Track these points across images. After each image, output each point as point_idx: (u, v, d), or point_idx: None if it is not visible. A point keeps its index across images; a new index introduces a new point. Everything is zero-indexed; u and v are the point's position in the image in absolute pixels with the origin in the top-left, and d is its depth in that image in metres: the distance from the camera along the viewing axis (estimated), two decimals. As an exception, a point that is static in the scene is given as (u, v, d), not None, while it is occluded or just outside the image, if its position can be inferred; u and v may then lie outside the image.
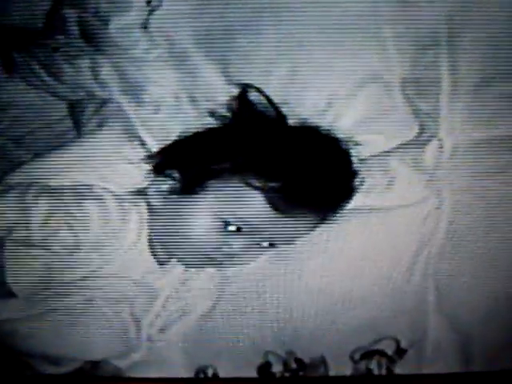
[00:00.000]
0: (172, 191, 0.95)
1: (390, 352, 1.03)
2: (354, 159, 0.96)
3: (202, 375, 1.04)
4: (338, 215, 0.97)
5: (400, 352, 1.03)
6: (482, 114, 0.94)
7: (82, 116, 0.98)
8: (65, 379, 1.05)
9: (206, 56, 0.94)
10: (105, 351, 1.03)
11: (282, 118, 0.95)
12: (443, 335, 1.02)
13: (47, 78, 0.96)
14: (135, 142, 0.97)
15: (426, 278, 1.00)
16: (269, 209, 0.91)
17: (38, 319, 0.99)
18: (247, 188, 0.91)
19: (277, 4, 0.91)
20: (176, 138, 0.96)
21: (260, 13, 0.91)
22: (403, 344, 1.03)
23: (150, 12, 0.92)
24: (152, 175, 0.97)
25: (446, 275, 1.00)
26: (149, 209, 0.97)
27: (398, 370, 1.04)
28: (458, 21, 0.90)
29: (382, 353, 1.03)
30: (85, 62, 0.95)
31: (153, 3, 0.91)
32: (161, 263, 1.00)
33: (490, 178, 0.95)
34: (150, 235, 0.97)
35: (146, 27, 0.93)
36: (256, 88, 0.94)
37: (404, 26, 0.91)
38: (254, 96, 0.94)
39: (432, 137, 0.97)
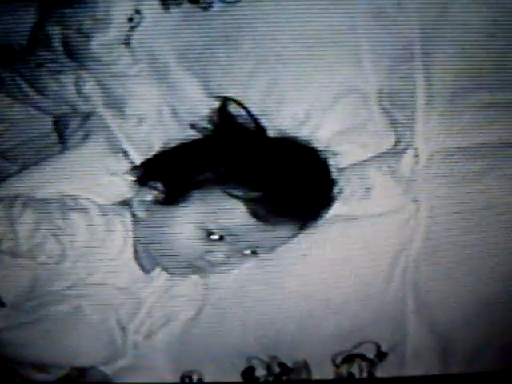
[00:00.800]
0: (156, 202, 0.96)
1: (370, 356, 1.03)
2: (333, 169, 0.98)
3: (187, 380, 1.04)
4: (317, 223, 0.98)
5: (380, 355, 1.03)
6: (456, 123, 0.96)
7: (66, 130, 1.00)
8: (53, 386, 1.04)
9: (187, 70, 0.95)
10: (92, 358, 1.02)
11: (261, 129, 0.97)
12: (422, 338, 1.02)
13: (32, 93, 0.97)
14: (119, 155, 0.98)
15: (404, 283, 1.00)
16: (250, 218, 0.92)
17: (25, 327, 0.98)
18: (229, 198, 0.92)
19: (256, 19, 0.92)
20: (159, 150, 0.97)
21: (239, 28, 0.92)
22: (383, 348, 1.03)
23: (132, 28, 0.93)
24: (136, 186, 0.98)
25: (424, 280, 1.00)
26: (133, 219, 0.97)
27: (379, 373, 1.04)
28: (431, 34, 0.91)
29: (363, 356, 1.03)
30: (68, 77, 0.96)
31: (134, 20, 0.92)
32: (146, 271, 1.00)
33: (465, 185, 0.97)
34: (134, 245, 0.98)
35: (127, 43, 0.94)
36: (236, 101, 0.95)
37: (379, 39, 0.92)
38: (233, 109, 0.95)
39: (408, 146, 0.98)
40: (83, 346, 1.00)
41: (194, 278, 1.01)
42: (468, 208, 0.97)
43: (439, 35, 0.91)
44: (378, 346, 1.02)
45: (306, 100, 0.95)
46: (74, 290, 0.98)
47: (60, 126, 0.99)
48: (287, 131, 0.97)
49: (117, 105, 0.96)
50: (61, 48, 0.95)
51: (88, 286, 0.98)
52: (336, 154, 0.97)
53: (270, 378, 1.03)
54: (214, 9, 0.93)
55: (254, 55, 0.93)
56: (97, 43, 0.93)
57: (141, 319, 1.01)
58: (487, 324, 1.00)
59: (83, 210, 0.96)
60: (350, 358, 1.03)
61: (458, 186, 0.97)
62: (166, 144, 0.97)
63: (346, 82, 0.95)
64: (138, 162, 0.98)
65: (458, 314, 1.01)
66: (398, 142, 0.98)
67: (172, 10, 0.93)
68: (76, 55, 0.94)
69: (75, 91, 0.95)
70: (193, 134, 0.96)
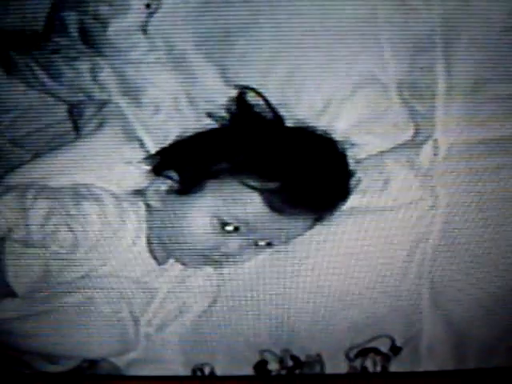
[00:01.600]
0: (170, 191, 0.95)
1: (384, 350, 1.03)
2: (351, 160, 0.96)
3: (199, 373, 1.04)
4: (334, 215, 0.97)
5: (395, 350, 1.03)
6: (476, 115, 0.94)
7: (81, 117, 0.98)
8: (63, 377, 1.05)
9: (204, 58, 0.94)
10: (103, 350, 1.02)
11: (279, 119, 0.95)
12: (438, 333, 1.02)
13: (47, 80, 0.96)
14: (134, 143, 0.97)
15: (420, 276, 1.00)
16: (266, 209, 0.90)
17: (37, 318, 0.98)
18: (245, 188, 0.90)
19: (275, 7, 0.91)
20: (174, 139, 0.96)
21: (258, 15, 0.90)
22: (398, 342, 1.03)
23: (149, 15, 0.91)
24: (151, 176, 0.96)
25: (440, 274, 0.99)
26: (147, 209, 0.96)
27: (393, 367, 1.04)
28: (453, 24, 0.90)
29: (377, 351, 1.03)
30: (84, 64, 0.94)
31: (152, 6, 0.91)
32: (159, 263, 0.99)
33: (484, 178, 0.96)
34: (148, 235, 0.97)
35: (145, 30, 0.93)
36: (254, 90, 0.93)
37: (400, 29, 0.91)
38: (251, 98, 0.94)
39: (427, 138, 0.97)
40: (95, 338, 1.00)
41: (208, 269, 1.00)
42: (486, 201, 0.96)
43: (461, 25, 0.90)
44: (393, 340, 1.02)
45: (324, 90, 0.94)
46: (86, 281, 0.97)
47: (75, 113, 0.98)
48: (305, 121, 0.95)
49: (133, 93, 0.94)
50: (77, 34, 0.94)
51: (100, 277, 0.97)
52: (354, 144, 0.96)
53: (283, 372, 1.03)
54: (233, -5, 0.91)
55: (274, 43, 0.91)
56: (113, 30, 0.92)
57: (153, 311, 1.01)
58: (504, 319, 1.00)
59: (96, 198, 0.95)
60: (364, 352, 1.03)
61: (477, 179, 0.96)
62: (182, 133, 0.95)
63: (365, 72, 0.93)
64: (153, 150, 0.97)
65: (474, 308, 1.00)
66: (417, 133, 0.97)
67: (190, -4, 0.92)
68: (92, 42, 0.93)
69: (91, 78, 0.94)
70: (209, 123, 0.95)
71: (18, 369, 1.03)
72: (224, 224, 0.92)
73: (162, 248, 0.98)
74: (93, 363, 1.04)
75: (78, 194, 0.95)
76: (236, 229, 0.92)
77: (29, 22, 0.92)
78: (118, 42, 0.92)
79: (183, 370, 1.03)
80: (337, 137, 0.95)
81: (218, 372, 1.04)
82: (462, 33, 0.90)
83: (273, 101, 0.94)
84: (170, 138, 0.96)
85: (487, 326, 1.01)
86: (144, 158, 0.96)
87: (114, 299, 0.99)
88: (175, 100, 0.96)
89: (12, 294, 0.97)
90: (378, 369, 1.03)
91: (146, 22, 0.92)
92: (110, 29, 0.92)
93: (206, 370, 1.04)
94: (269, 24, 0.91)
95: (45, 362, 1.04)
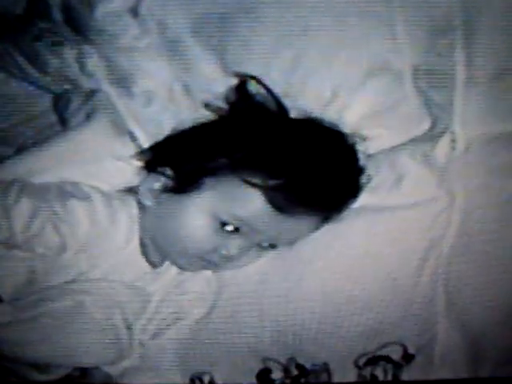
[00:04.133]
0: (165, 190, 0.93)
1: (396, 358, 0.99)
2: (361, 155, 0.94)
3: (197, 382, 1.00)
4: (342, 214, 0.95)
5: (407, 358, 0.99)
6: (498, 106, 0.92)
7: (67, 109, 0.96)
8: (53, 387, 1.03)
9: (201, 43, 0.91)
10: (95, 358, 0.98)
11: (283, 110, 0.93)
12: (452, 340, 0.98)
13: (29, 69, 0.95)
14: (125, 137, 0.95)
15: (435, 280, 0.96)
16: (269, 208, 0.88)
17: (24, 324, 0.94)
18: (246, 186, 0.88)
19: None
20: (169, 133, 0.94)
21: None
22: (410, 349, 0.99)
23: None
24: (143, 172, 0.94)
25: (456, 278, 0.95)
26: (140, 208, 0.94)
27: (405, 376, 1.00)
28: (474, 4, 0.87)
29: (388, 359, 0.99)
30: (70, 51, 0.93)
31: None
32: (153, 266, 0.97)
33: (506, 175, 0.93)
34: (141, 236, 0.94)
35: (135, 12, 0.90)
36: (255, 78, 0.91)
37: (416, 9, 0.88)
38: (253, 87, 0.92)
39: (445, 131, 0.94)
40: (86, 346, 0.97)
41: (206, 273, 0.98)
42: (507, 201, 0.93)
43: (483, 5, 0.87)
44: (405, 348, 0.98)
45: (332, 78, 0.92)
46: (75, 285, 0.94)
47: (60, 104, 0.97)
48: (311, 112, 0.93)
49: (123, 82, 0.93)
50: (61, 18, 0.92)
51: (91, 281, 0.95)
52: (364, 138, 0.94)
53: (287, 381, 1.00)
54: (233, -25, 0.91)
55: (277, 27, 0.89)
56: (101, 12, 0.90)
57: (148, 317, 0.98)
58: None
59: (85, 197, 0.92)
60: (374, 360, 0.99)
61: (497, 177, 0.93)
62: (177, 125, 0.94)
63: (377, 58, 0.91)
64: (145, 145, 0.96)
65: (490, 313, 0.96)
66: (433, 125, 0.95)
67: (186, -25, 0.91)
68: (78, 26, 0.91)
69: (77, 66, 0.93)
70: (207, 115, 0.93)
71: (5, 378, 1.00)
72: (223, 224, 0.89)
73: (157, 250, 0.95)
74: (84, 372, 1.01)
75: (65, 191, 0.92)
76: (236, 229, 0.90)
77: (9, 4, 0.91)
78: (107, 27, 0.90)
79: (181, 379, 1.00)
80: (346, 129, 0.94)
81: (218, 381, 1.00)
82: (483, 15, 0.88)
83: (276, 90, 0.92)
84: (164, 131, 0.94)
85: (504, 332, 0.96)
86: (136, 153, 0.95)
87: (105, 304, 0.95)
88: (169, 89, 0.94)
89: None
90: (389, 377, 1.00)
91: (137, 3, 0.90)
92: (97, 12, 0.90)
93: (206, 379, 1.00)
94: (272, 5, 0.89)
95: (33, 370, 1.00)
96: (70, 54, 0.92)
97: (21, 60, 0.94)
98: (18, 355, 0.96)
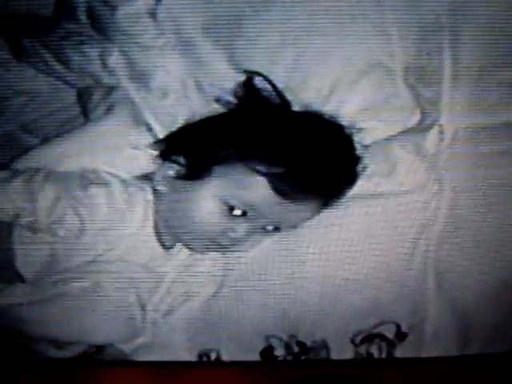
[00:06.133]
0: (178, 176, 0.94)
1: (390, 336, 1.02)
2: (357, 145, 0.96)
3: (205, 359, 1.03)
4: (340, 201, 0.97)
5: (400, 336, 1.02)
6: (482, 100, 0.94)
7: (89, 102, 0.98)
8: (69, 363, 1.04)
9: (212, 43, 0.93)
10: (110, 335, 1.02)
11: (286, 104, 0.94)
12: (442, 319, 1.01)
13: (56, 65, 0.95)
14: (142, 128, 0.96)
15: (425, 262, 0.98)
16: (273, 193, 0.90)
17: (45, 304, 0.97)
18: (252, 173, 0.90)
19: None
20: (182, 124, 0.95)
21: (267, 1, 0.90)
22: (403, 328, 1.02)
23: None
24: (158, 161, 0.96)
25: (445, 260, 0.98)
26: (155, 194, 0.96)
27: (398, 353, 1.03)
28: (460, 8, 0.89)
29: (382, 336, 1.02)
30: (93, 50, 0.94)
31: None
32: (166, 248, 0.99)
33: (490, 163, 0.95)
34: (155, 220, 0.96)
35: (153, 15, 0.92)
36: (261, 74, 0.93)
37: (407, 12, 0.90)
38: (259, 82, 0.93)
39: (433, 123, 0.96)
40: (102, 324, 0.99)
41: (215, 255, 1.00)
42: (491, 186, 0.96)
43: (468, 9, 0.89)
44: (398, 327, 1.01)
45: (331, 74, 0.93)
46: (93, 266, 0.97)
47: (83, 98, 0.98)
48: (312, 106, 0.95)
49: (141, 77, 0.94)
50: (86, 19, 0.93)
51: (108, 262, 0.97)
52: (361, 129, 0.95)
53: (289, 357, 1.02)
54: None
55: (281, 29, 0.91)
56: (122, 14, 0.91)
57: (160, 297, 1.00)
58: (508, 304, 0.99)
59: (104, 183, 0.94)
60: (369, 338, 1.02)
61: (482, 164, 0.95)
62: (189, 118, 0.95)
63: (371, 57, 0.93)
64: (160, 135, 0.96)
65: (478, 293, 1.00)
66: (423, 118, 0.96)
67: (199, -19, 0.91)
68: (101, 27, 0.93)
69: (100, 63, 0.94)
70: (217, 108, 0.95)
71: (24, 355, 1.03)
72: (231, 208, 0.91)
73: (169, 233, 0.97)
74: (100, 348, 1.04)
75: (86, 178, 0.94)
76: (243, 213, 0.92)
77: (39, 7, 0.92)
78: (127, 27, 0.92)
79: (189, 356, 1.03)
80: (343, 122, 0.95)
81: (225, 357, 1.03)
82: (468, 17, 0.90)
83: (280, 85, 0.93)
84: (178, 123, 0.95)
85: (492, 311, 1.00)
86: (152, 143, 0.96)
87: (121, 284, 0.98)
88: (183, 85, 0.95)
89: (20, 280, 0.96)
90: (384, 354, 1.03)
91: (155, 6, 0.91)
92: (118, 13, 0.91)
93: (213, 356, 1.03)
94: (277, 9, 0.91)
95: (52, 347, 1.03)
96: (92, 51, 0.94)
97: (48, 58, 0.94)
98: (37, 333, 0.99)
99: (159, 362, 1.03)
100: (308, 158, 0.91)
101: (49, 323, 0.99)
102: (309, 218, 0.96)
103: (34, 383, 1.01)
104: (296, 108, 0.95)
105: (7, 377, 1.01)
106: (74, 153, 0.95)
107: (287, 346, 1.03)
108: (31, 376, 1.01)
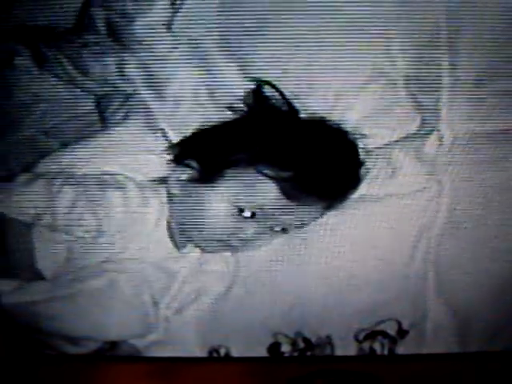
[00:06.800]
0: (191, 180, 0.96)
1: (392, 333, 1.05)
2: (361, 150, 0.97)
3: (214, 354, 1.06)
4: (344, 203, 0.98)
5: (402, 333, 1.05)
6: (479, 108, 0.95)
7: (107, 109, 0.99)
8: (84, 359, 1.06)
9: (224, 54, 0.94)
10: (124, 332, 1.04)
11: (294, 111, 0.96)
12: (443, 317, 1.03)
13: (76, 74, 0.97)
14: (157, 134, 0.97)
15: (426, 262, 1.01)
16: (281, 196, 0.92)
17: (62, 301, 1.00)
18: (261, 177, 0.92)
19: (292, 7, 0.92)
20: (195, 130, 0.96)
21: (279, 13, 0.92)
22: (405, 325, 1.04)
23: (174, 12, 0.93)
24: (172, 165, 0.97)
25: (445, 259, 1.01)
26: (168, 196, 0.98)
27: (400, 350, 1.05)
28: (457, 20, 0.90)
29: (384, 333, 1.05)
30: (111, 59, 0.96)
31: (176, 3, 0.93)
32: (178, 248, 1.01)
33: (488, 168, 0.97)
34: (168, 221, 0.98)
35: (169, 26, 0.94)
36: (270, 84, 0.94)
37: (407, 25, 0.91)
38: (268, 91, 0.94)
39: (433, 130, 0.98)
40: (117, 321, 1.02)
41: (225, 254, 1.02)
42: (490, 189, 0.98)
43: (464, 22, 0.91)
44: (400, 324, 1.04)
45: (336, 84, 0.94)
46: (109, 265, 1.00)
47: (102, 105, 0.99)
48: (318, 113, 0.95)
49: (157, 86, 0.95)
50: (105, 30, 0.95)
51: (123, 261, 1.00)
52: (364, 135, 0.96)
53: (295, 353, 1.04)
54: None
55: (289, 42, 0.93)
56: (140, 26, 0.93)
57: (173, 294, 1.03)
58: (508, 303, 1.02)
59: (120, 186, 0.97)
60: (372, 335, 1.04)
61: (481, 169, 0.97)
62: (202, 124, 0.95)
63: (375, 67, 0.94)
64: (175, 141, 0.97)
65: (478, 292, 1.02)
66: (423, 125, 0.98)
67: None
68: (119, 37, 0.94)
69: (117, 72, 0.95)
70: (228, 115, 0.95)
71: (41, 350, 1.05)
72: (241, 210, 0.94)
73: (182, 234, 0.99)
74: (114, 345, 1.06)
75: (103, 181, 0.96)
76: (253, 215, 0.94)
77: (60, 18, 0.94)
78: (144, 38, 0.94)
79: (200, 352, 1.05)
80: (348, 128, 0.96)
81: (234, 353, 1.05)
82: (466, 29, 0.91)
83: (288, 94, 0.94)
84: (191, 129, 0.96)
85: (491, 309, 1.02)
86: (166, 148, 0.97)
87: (135, 283, 1.01)
88: (196, 93, 0.96)
89: (41, 277, 0.99)
90: (386, 351, 1.05)
91: (171, 19, 0.93)
92: (136, 25, 0.93)
93: (222, 352, 1.06)
94: (284, 25, 0.92)
95: (67, 343, 1.06)
96: (111, 61, 0.94)
97: (69, 66, 0.96)
98: (54, 329, 1.03)
99: (171, 357, 1.05)
100: (314, 162, 0.93)
101: (65, 320, 1.02)
102: (315, 220, 0.98)
103: (52, 377, 1.03)
104: (303, 115, 0.96)
105: (26, 370, 1.03)
106: (92, 157, 0.97)
107: (293, 343, 1.05)
108: (50, 369, 1.03)
